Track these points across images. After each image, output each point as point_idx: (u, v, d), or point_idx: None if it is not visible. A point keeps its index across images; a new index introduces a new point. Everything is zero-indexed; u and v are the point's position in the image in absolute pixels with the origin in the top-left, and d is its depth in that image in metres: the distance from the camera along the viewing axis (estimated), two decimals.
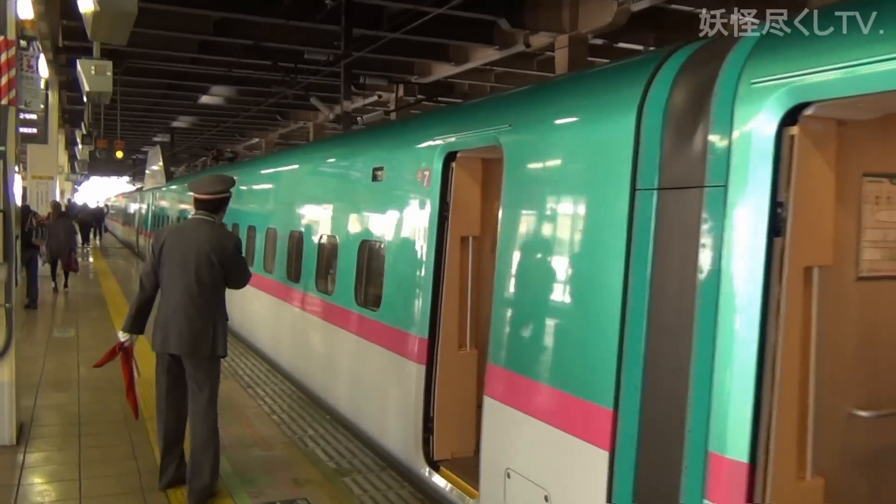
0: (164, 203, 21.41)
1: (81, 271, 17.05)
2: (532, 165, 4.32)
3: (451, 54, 17.25)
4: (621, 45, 15.22)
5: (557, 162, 4.15)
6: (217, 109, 25.69)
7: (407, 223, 5.89)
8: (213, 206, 5.02)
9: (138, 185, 45.11)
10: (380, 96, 20.64)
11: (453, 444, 5.51)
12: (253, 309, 9.95)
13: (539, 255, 4.18)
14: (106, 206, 49.10)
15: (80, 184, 47.11)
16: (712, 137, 3.12)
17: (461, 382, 5.51)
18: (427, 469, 5.39)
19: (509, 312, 4.37)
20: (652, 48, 14.84)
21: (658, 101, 3.45)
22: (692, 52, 3.52)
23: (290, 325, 8.72)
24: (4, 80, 5.54)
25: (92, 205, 41.77)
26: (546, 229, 4.13)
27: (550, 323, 4.02)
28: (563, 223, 4.01)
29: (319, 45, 16.07)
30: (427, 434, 5.44)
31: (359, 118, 20.99)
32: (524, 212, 4.33)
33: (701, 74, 3.30)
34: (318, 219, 8.06)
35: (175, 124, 30.57)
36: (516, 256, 4.36)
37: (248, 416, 6.62)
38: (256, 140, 34.21)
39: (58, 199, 20.09)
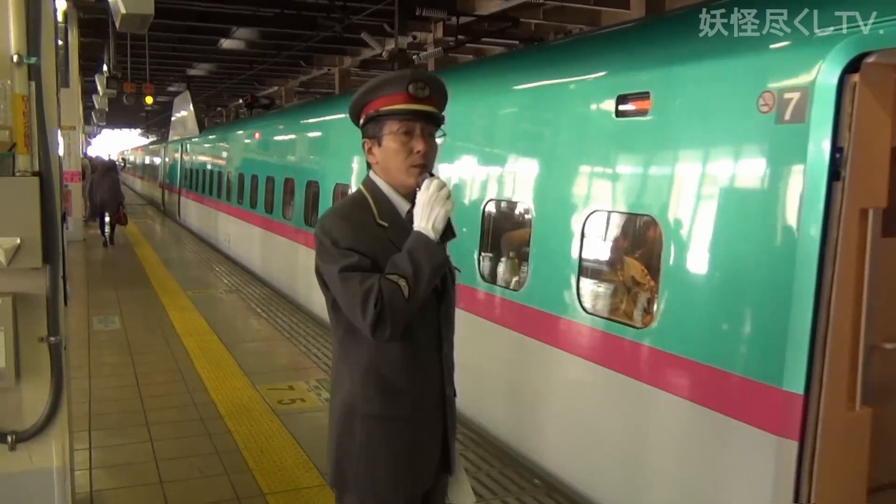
0: (199, 156, 19.02)
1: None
2: None
3: None
4: None
5: None
6: (239, 55, 23.09)
7: (729, 188, 3.46)
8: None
9: (152, 138, 42.54)
10: (414, 37, 18.40)
11: None
12: None
13: None
14: (122, 159, 46.63)
15: (94, 136, 44.34)
16: None
17: (852, 463, 3.19)
18: None
19: None
20: None
21: None
22: None
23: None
24: None
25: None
26: None
27: None
28: None
29: None
30: None
31: (414, 57, 18.61)
32: None
33: None
34: (484, 177, 5.58)
35: (192, 72, 27.86)
36: None
37: None
38: (275, 88, 31.52)
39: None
